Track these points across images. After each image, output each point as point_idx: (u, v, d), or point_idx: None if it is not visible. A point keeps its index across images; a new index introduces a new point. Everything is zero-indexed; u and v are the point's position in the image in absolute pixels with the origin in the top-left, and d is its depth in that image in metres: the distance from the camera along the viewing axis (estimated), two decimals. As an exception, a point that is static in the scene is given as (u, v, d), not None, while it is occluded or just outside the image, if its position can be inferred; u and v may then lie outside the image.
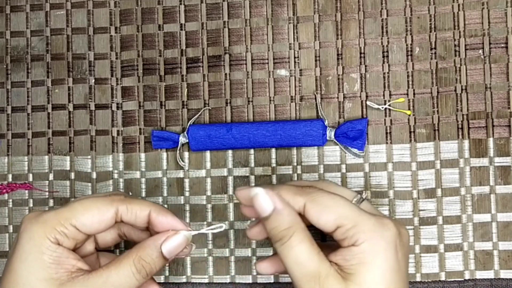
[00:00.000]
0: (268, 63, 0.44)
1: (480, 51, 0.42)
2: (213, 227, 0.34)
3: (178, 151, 0.43)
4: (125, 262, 0.31)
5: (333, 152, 0.43)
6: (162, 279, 0.43)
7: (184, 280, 0.43)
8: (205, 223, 0.43)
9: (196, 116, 0.44)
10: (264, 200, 0.31)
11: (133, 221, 0.33)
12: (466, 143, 0.42)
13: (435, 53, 0.43)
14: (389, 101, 0.43)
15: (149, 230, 0.35)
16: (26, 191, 0.45)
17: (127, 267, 0.31)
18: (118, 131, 0.44)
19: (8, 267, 0.31)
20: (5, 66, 0.45)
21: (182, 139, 0.43)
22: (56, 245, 0.31)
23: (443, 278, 0.42)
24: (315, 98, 0.43)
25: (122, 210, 0.32)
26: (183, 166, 0.43)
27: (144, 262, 0.31)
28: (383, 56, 0.43)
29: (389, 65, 0.43)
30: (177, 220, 0.33)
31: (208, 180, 0.44)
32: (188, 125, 0.43)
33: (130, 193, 0.43)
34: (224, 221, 0.43)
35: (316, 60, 0.43)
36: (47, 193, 0.44)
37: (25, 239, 0.31)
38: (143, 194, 0.44)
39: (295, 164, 0.43)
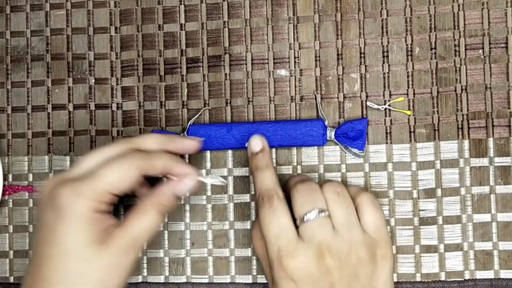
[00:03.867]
0: (268, 63, 0.44)
1: (480, 51, 0.42)
2: (217, 180, 0.39)
3: (178, 151, 0.43)
4: (150, 208, 0.35)
5: (333, 152, 0.43)
6: (162, 279, 0.43)
7: (184, 280, 0.43)
8: (205, 223, 0.43)
9: (196, 116, 0.44)
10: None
11: (153, 174, 0.36)
12: (466, 143, 0.42)
13: (435, 53, 0.43)
14: (389, 101, 0.43)
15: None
16: (26, 192, 0.45)
17: (152, 212, 0.35)
18: (118, 131, 0.44)
19: (51, 239, 0.34)
20: (5, 66, 0.45)
21: (182, 139, 0.43)
22: (97, 213, 0.34)
23: (443, 278, 0.42)
24: (315, 98, 0.43)
25: (144, 168, 0.35)
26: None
27: (164, 206, 0.36)
28: (383, 56, 0.43)
29: (389, 65, 0.43)
30: (188, 167, 0.38)
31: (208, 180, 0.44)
32: (188, 125, 0.43)
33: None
34: (224, 221, 0.43)
35: (316, 60, 0.43)
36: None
37: (68, 213, 0.33)
38: (143, 194, 0.44)
39: (295, 164, 0.43)
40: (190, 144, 0.39)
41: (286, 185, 0.40)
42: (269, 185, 0.37)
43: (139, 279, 0.44)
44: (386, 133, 0.43)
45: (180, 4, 0.45)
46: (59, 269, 0.33)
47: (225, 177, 0.43)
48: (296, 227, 0.36)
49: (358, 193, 0.38)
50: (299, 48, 0.44)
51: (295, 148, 0.43)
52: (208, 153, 0.44)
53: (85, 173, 0.35)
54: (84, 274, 0.33)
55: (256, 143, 0.40)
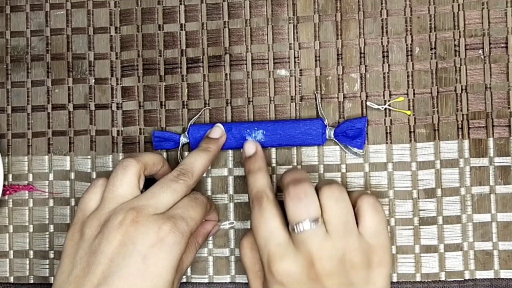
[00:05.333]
0: (268, 63, 0.44)
1: (480, 51, 0.42)
2: (228, 226, 0.43)
3: (179, 152, 0.43)
4: (192, 247, 0.39)
5: (333, 152, 0.43)
6: (162, 279, 0.43)
7: (184, 280, 0.43)
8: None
9: (196, 116, 0.44)
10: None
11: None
12: (466, 143, 0.42)
13: (435, 53, 0.43)
14: (389, 101, 0.43)
15: None
16: (26, 191, 0.45)
17: (193, 251, 0.39)
18: (118, 131, 0.44)
19: (150, 268, 0.34)
20: (5, 66, 0.45)
21: (183, 140, 0.43)
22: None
23: (443, 278, 0.42)
24: (315, 98, 0.43)
25: (206, 210, 0.39)
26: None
27: (199, 245, 0.40)
28: (383, 56, 0.43)
29: (389, 65, 0.43)
30: (215, 213, 0.42)
31: (208, 180, 0.44)
32: (189, 125, 0.43)
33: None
34: (224, 221, 0.43)
35: (316, 60, 0.43)
36: (47, 194, 0.44)
37: (173, 247, 0.34)
38: (143, 194, 0.44)
39: (295, 163, 0.43)
40: (222, 141, 0.42)
41: (279, 182, 0.39)
42: (259, 187, 0.37)
43: (139, 279, 0.44)
44: (386, 133, 0.43)
45: (180, 4, 0.45)
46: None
47: (225, 177, 0.43)
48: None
49: (359, 196, 0.37)
50: (299, 48, 0.44)
51: (295, 148, 0.43)
52: (208, 153, 0.44)
53: (171, 210, 0.36)
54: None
55: (250, 146, 0.40)
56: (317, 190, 0.36)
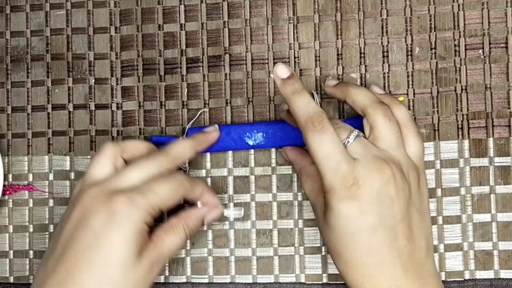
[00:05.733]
0: (268, 63, 0.44)
1: (480, 51, 0.42)
2: (237, 213, 0.41)
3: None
4: (179, 229, 0.37)
5: (333, 152, 0.43)
6: (162, 279, 0.43)
7: (184, 280, 0.43)
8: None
9: (195, 118, 0.43)
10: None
11: (189, 198, 0.38)
12: (466, 143, 0.42)
13: (435, 53, 0.43)
14: (389, 101, 0.43)
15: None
16: (26, 191, 0.45)
17: (181, 232, 0.37)
18: (118, 131, 0.44)
19: (98, 242, 0.34)
20: (5, 66, 0.45)
21: (181, 140, 0.43)
22: (145, 226, 0.35)
23: (443, 278, 0.42)
24: (313, 97, 0.43)
25: (187, 190, 0.37)
26: (183, 168, 0.43)
27: (190, 228, 0.37)
28: (383, 56, 0.43)
29: (389, 65, 0.43)
30: (217, 199, 0.40)
31: (208, 180, 0.44)
32: (187, 128, 0.43)
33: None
34: (224, 221, 0.43)
35: (316, 60, 0.43)
36: (47, 194, 0.44)
37: (126, 224, 0.34)
38: (143, 194, 0.44)
39: (295, 164, 0.43)
40: (212, 137, 0.42)
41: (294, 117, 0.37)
42: (316, 108, 0.35)
43: (139, 279, 0.44)
44: (386, 133, 0.43)
45: (180, 4, 0.45)
46: (96, 276, 0.33)
47: (225, 177, 0.43)
48: None
49: (405, 122, 0.37)
50: (299, 48, 0.44)
51: (295, 148, 0.43)
52: (208, 153, 0.44)
53: (135, 186, 0.35)
54: (120, 284, 0.33)
55: (283, 69, 0.37)
56: (363, 109, 0.37)
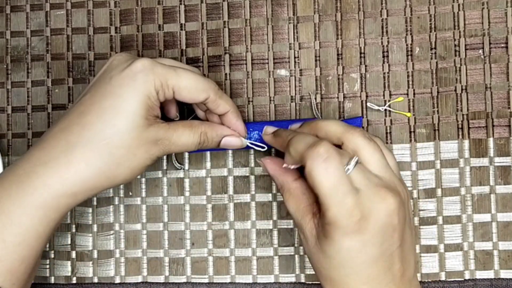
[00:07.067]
0: (268, 63, 0.44)
1: (480, 51, 0.42)
2: (258, 147, 0.41)
3: (173, 154, 0.43)
4: (196, 131, 0.37)
5: (333, 152, 0.43)
6: (162, 279, 0.43)
7: (184, 280, 0.43)
8: (205, 223, 0.43)
9: (191, 117, 0.43)
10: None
11: (212, 109, 0.38)
12: (466, 143, 0.42)
13: (435, 53, 0.43)
14: (389, 101, 0.43)
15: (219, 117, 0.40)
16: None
17: (196, 134, 0.37)
18: (118, 131, 0.44)
19: (113, 91, 0.35)
20: (5, 66, 0.45)
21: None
22: (157, 95, 0.36)
23: (443, 278, 0.42)
24: (310, 98, 0.43)
25: (211, 99, 0.38)
26: (178, 168, 0.43)
27: (206, 138, 0.38)
28: (383, 56, 0.43)
29: (389, 65, 0.43)
30: (243, 127, 0.40)
31: (208, 180, 0.44)
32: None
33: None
34: (224, 221, 0.43)
35: (316, 60, 0.43)
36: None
37: (140, 81, 0.35)
38: (143, 194, 0.44)
39: (295, 164, 0.43)
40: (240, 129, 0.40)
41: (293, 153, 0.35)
42: (315, 138, 0.34)
43: (139, 279, 0.44)
44: (386, 133, 0.43)
45: (180, 4, 0.45)
46: (103, 119, 0.34)
47: (225, 177, 0.43)
48: None
49: (372, 138, 0.36)
50: (299, 48, 0.44)
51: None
52: (208, 153, 0.44)
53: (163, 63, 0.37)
54: (122, 136, 0.34)
55: (270, 128, 0.39)
56: (340, 137, 0.35)
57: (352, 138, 0.35)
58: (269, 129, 0.39)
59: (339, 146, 0.35)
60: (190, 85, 0.36)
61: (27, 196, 0.34)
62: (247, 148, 0.41)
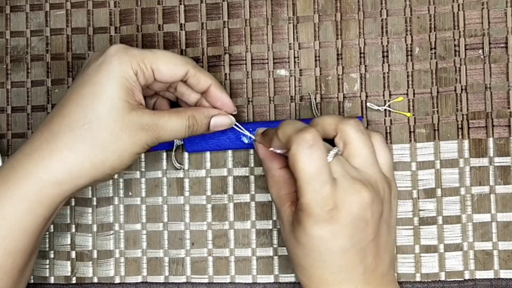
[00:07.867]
0: (268, 63, 0.44)
1: (480, 51, 0.42)
2: (246, 137, 0.41)
3: (173, 153, 0.43)
4: (183, 115, 0.37)
5: (333, 152, 0.43)
6: (162, 279, 0.43)
7: (184, 280, 0.43)
8: (205, 223, 0.43)
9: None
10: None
11: (195, 85, 0.38)
12: (466, 143, 0.42)
13: (435, 53, 0.43)
14: (389, 101, 0.43)
15: (204, 98, 0.40)
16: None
17: (184, 118, 0.37)
18: (118, 131, 0.44)
19: (89, 79, 0.35)
20: (5, 66, 0.46)
21: (177, 141, 0.43)
22: (135, 76, 0.35)
23: (443, 278, 0.42)
24: (310, 98, 0.43)
25: (191, 74, 0.37)
26: (178, 168, 0.43)
27: (195, 122, 0.37)
28: (383, 56, 0.43)
29: (389, 65, 0.43)
30: (229, 100, 0.39)
31: (208, 180, 0.44)
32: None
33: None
34: (224, 221, 0.43)
35: (316, 60, 0.43)
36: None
37: (115, 63, 0.35)
38: (143, 194, 0.44)
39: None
40: (224, 117, 0.39)
41: (281, 138, 0.35)
42: (297, 127, 0.34)
43: (139, 279, 0.44)
44: (386, 133, 0.43)
45: (180, 4, 0.45)
46: (84, 107, 0.34)
47: (225, 177, 0.43)
48: None
49: (370, 133, 0.37)
50: (299, 48, 0.44)
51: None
52: (208, 153, 0.44)
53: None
54: (105, 123, 0.34)
55: (260, 131, 0.38)
56: (335, 127, 0.35)
57: (345, 129, 0.35)
58: (260, 131, 0.39)
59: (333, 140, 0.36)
60: (168, 60, 0.36)
61: (11, 188, 0.34)
62: (246, 147, 0.41)
